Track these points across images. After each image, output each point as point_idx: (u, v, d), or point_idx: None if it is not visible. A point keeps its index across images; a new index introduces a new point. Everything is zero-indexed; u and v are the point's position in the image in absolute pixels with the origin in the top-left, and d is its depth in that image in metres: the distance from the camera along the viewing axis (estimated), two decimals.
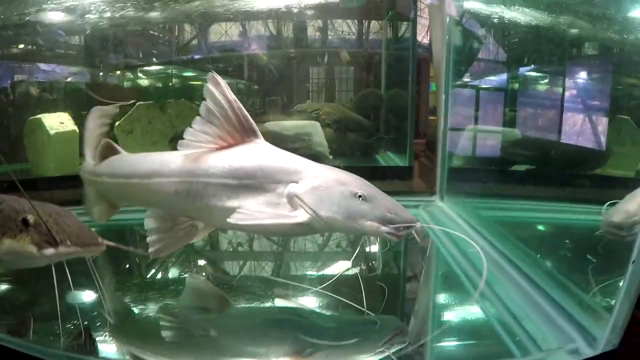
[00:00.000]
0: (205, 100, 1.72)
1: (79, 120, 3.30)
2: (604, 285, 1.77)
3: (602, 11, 2.42)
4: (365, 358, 1.56)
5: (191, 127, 1.76)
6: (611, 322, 1.31)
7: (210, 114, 1.73)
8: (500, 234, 2.33)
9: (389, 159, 4.10)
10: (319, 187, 1.64)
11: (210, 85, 1.71)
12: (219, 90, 1.71)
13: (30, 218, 1.46)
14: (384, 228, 1.61)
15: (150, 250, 1.78)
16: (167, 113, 3.45)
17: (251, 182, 1.66)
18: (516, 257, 2.05)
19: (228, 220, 1.58)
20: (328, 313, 1.87)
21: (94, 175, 2.06)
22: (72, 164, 3.18)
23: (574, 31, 2.66)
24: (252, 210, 1.62)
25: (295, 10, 3.85)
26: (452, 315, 1.89)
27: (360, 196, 1.62)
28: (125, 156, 2.06)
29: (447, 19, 3.16)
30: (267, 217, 1.61)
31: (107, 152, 2.08)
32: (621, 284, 1.25)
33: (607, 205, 2.04)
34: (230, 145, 1.75)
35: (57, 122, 3.22)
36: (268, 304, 1.96)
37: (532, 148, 2.93)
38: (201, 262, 2.47)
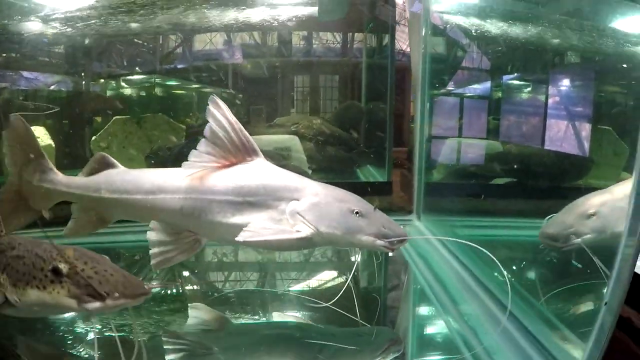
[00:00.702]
0: (209, 122, 1.82)
1: (60, 128, 3.29)
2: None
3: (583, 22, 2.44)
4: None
5: (196, 149, 1.85)
6: None
7: (214, 136, 1.83)
8: (477, 255, 2.31)
9: (369, 173, 4.09)
10: (319, 204, 1.77)
11: (212, 108, 1.82)
12: (221, 112, 1.81)
13: (63, 267, 1.31)
14: (379, 242, 1.76)
15: (153, 262, 1.85)
16: (144, 128, 3.41)
17: (254, 200, 1.78)
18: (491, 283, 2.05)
19: (236, 238, 1.69)
20: (324, 325, 2.00)
21: (85, 189, 2.03)
22: None
23: (556, 41, 2.68)
24: (257, 228, 1.72)
25: (278, 21, 3.84)
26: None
27: (357, 212, 1.77)
28: (124, 171, 2.08)
29: (424, 30, 3.17)
30: (272, 233, 1.72)
31: (101, 165, 2.09)
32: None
33: (549, 218, 2.12)
34: (232, 164, 1.86)
35: None
36: (265, 319, 2.06)
37: (514, 160, 2.93)
38: (190, 275, 2.49)
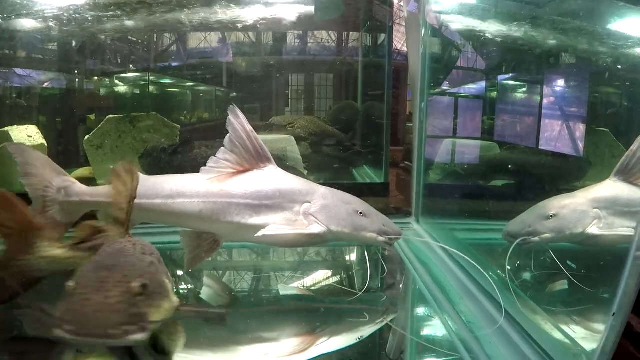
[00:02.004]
0: (229, 131, 2.03)
1: (54, 127, 3.26)
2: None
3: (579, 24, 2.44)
4: (367, 328, 1.91)
5: (215, 156, 2.07)
6: None
7: (232, 145, 2.04)
8: (477, 260, 2.32)
9: (365, 173, 4.06)
10: (329, 205, 2.04)
11: (231, 118, 2.03)
12: (239, 122, 2.02)
13: None
14: (380, 238, 2.07)
15: (186, 262, 2.05)
16: (138, 127, 3.38)
17: (271, 202, 2.00)
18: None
19: (261, 231, 1.92)
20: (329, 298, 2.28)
21: (108, 197, 2.00)
22: None
23: (552, 42, 2.68)
24: (276, 225, 1.97)
25: (274, 20, 3.82)
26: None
27: (361, 213, 2.07)
28: (144, 178, 2.12)
29: (423, 30, 3.16)
30: (290, 230, 1.97)
31: None
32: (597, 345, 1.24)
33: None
34: (247, 170, 2.07)
35: (25, 135, 3.12)
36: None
37: (512, 162, 2.93)
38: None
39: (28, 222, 1.58)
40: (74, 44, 3.65)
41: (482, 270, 2.17)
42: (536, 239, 2.13)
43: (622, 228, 2.00)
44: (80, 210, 2.13)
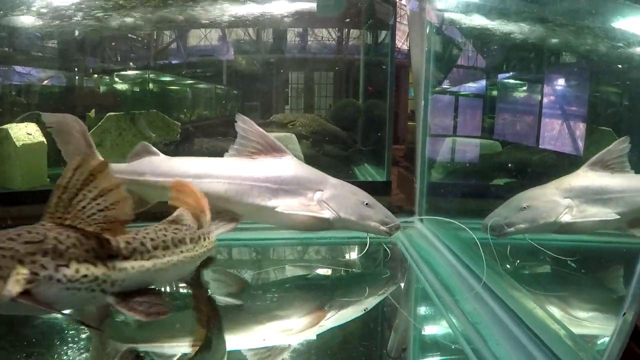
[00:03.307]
0: (241, 135, 2.32)
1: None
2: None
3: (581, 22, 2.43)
4: (370, 300, 2.12)
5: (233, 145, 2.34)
6: None
7: (247, 140, 2.32)
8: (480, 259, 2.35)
9: (366, 171, 4.04)
10: (339, 195, 2.28)
11: (240, 123, 2.31)
12: (249, 125, 2.31)
13: None
14: (382, 227, 2.31)
15: None
16: (138, 124, 3.37)
17: (288, 188, 2.24)
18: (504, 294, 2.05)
19: (277, 209, 2.18)
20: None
21: (129, 173, 2.35)
22: (40, 177, 3.11)
23: (554, 41, 2.67)
24: (293, 205, 2.21)
25: (274, 17, 3.81)
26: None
27: (367, 204, 2.31)
28: (168, 158, 2.44)
29: (427, 28, 3.15)
30: (305, 210, 2.21)
31: (143, 154, 2.45)
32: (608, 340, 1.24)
33: None
34: (266, 157, 2.32)
35: (25, 132, 3.09)
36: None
37: (514, 160, 2.94)
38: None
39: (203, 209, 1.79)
40: (73, 41, 3.63)
41: (479, 245, 2.24)
42: (512, 229, 2.22)
43: (594, 214, 2.09)
44: None
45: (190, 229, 1.67)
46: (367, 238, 2.46)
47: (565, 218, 2.12)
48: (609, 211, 2.07)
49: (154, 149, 2.46)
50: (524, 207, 2.22)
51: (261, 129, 2.32)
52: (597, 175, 2.16)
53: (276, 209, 2.18)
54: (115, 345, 1.59)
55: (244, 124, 2.30)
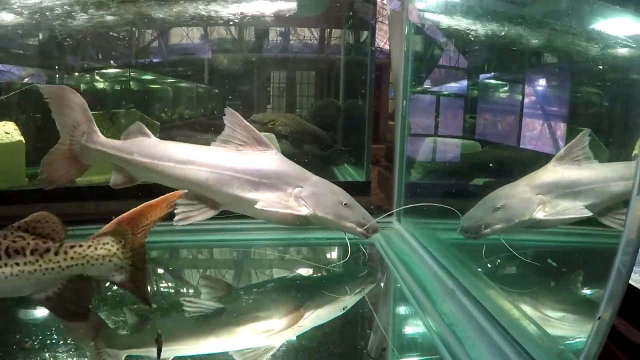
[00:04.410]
0: (228, 127, 2.35)
1: (33, 124, 3.22)
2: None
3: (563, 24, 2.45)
4: (348, 299, 2.16)
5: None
6: None
7: (234, 131, 2.35)
8: (459, 260, 2.40)
9: (346, 171, 4.05)
10: (318, 193, 2.32)
11: (228, 116, 2.34)
12: (236, 119, 2.35)
13: None
14: (358, 229, 2.33)
15: (176, 218, 2.22)
16: (117, 124, 3.35)
17: (269, 182, 2.28)
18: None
19: (256, 205, 2.21)
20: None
21: (119, 150, 2.41)
22: (18, 177, 3.07)
23: (535, 41, 2.69)
24: (272, 201, 2.24)
25: (256, 16, 3.80)
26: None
27: (345, 204, 2.34)
28: (157, 141, 2.47)
29: (407, 28, 3.15)
30: (282, 207, 2.24)
31: (136, 134, 2.48)
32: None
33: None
34: (250, 150, 2.35)
35: (3, 132, 3.05)
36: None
37: (493, 159, 2.96)
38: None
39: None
40: (54, 39, 3.60)
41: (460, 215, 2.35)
42: (488, 230, 2.25)
43: (566, 210, 2.13)
44: (94, 156, 2.42)
45: (42, 239, 1.47)
46: (346, 241, 2.49)
47: (539, 215, 2.16)
48: (581, 206, 2.10)
49: (147, 130, 2.49)
50: (499, 207, 2.25)
51: (247, 123, 2.35)
52: (565, 168, 2.20)
53: (256, 206, 2.21)
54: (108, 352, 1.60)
55: (232, 117, 2.34)
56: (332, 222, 2.32)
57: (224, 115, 2.37)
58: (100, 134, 2.43)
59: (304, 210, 2.26)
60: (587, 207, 2.09)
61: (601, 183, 2.12)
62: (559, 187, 2.18)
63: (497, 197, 2.31)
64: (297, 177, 2.34)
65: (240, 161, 2.31)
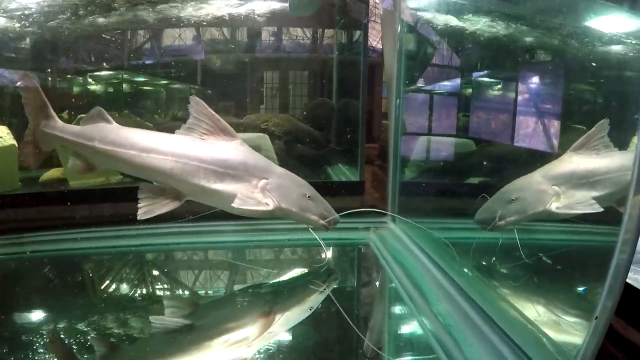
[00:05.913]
0: (193, 116, 2.27)
1: (25, 127, 3.21)
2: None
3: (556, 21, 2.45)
4: (313, 298, 2.17)
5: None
6: None
7: (198, 120, 2.26)
8: (452, 259, 2.40)
9: (340, 171, 4.04)
10: (283, 185, 2.28)
11: (193, 104, 2.25)
12: (201, 107, 2.26)
13: None
14: (321, 221, 2.32)
15: (139, 212, 2.18)
16: None
17: (234, 173, 2.22)
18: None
19: (232, 204, 2.16)
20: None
21: (78, 136, 2.37)
22: (11, 181, 3.06)
23: (529, 39, 2.69)
24: (244, 197, 2.18)
25: (248, 16, 3.79)
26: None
27: (309, 197, 2.32)
28: (118, 127, 2.39)
29: (399, 26, 3.15)
30: (253, 205, 2.19)
31: (97, 119, 2.41)
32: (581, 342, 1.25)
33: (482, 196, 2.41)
34: (215, 140, 2.27)
35: None
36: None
37: (488, 157, 2.96)
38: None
39: None
40: (46, 42, 3.58)
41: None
42: (502, 222, 2.22)
43: (578, 202, 2.09)
44: (52, 142, 2.46)
45: None
46: (322, 245, 2.49)
47: (553, 206, 2.13)
48: (592, 200, 2.06)
49: (108, 115, 2.42)
50: (513, 199, 2.22)
51: (212, 111, 2.28)
52: (581, 158, 2.16)
53: (232, 204, 2.17)
54: None
55: (197, 105, 2.26)
56: (296, 215, 2.30)
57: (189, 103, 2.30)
58: (57, 119, 2.42)
59: (270, 204, 2.22)
60: (604, 196, 2.05)
61: (619, 171, 2.06)
62: (574, 178, 2.14)
63: (512, 189, 2.28)
64: (263, 168, 2.29)
65: (206, 151, 2.24)
